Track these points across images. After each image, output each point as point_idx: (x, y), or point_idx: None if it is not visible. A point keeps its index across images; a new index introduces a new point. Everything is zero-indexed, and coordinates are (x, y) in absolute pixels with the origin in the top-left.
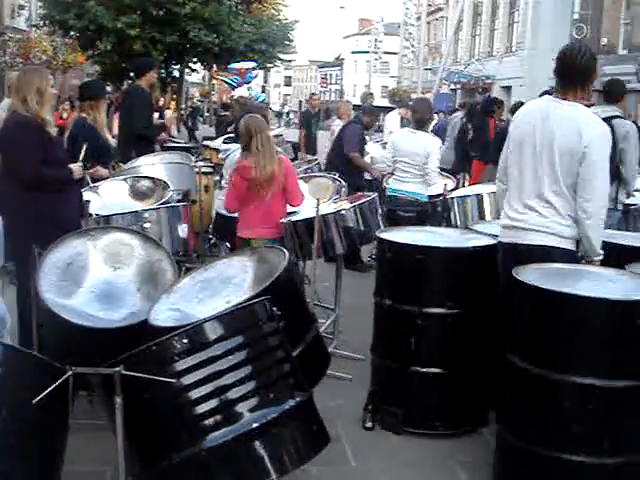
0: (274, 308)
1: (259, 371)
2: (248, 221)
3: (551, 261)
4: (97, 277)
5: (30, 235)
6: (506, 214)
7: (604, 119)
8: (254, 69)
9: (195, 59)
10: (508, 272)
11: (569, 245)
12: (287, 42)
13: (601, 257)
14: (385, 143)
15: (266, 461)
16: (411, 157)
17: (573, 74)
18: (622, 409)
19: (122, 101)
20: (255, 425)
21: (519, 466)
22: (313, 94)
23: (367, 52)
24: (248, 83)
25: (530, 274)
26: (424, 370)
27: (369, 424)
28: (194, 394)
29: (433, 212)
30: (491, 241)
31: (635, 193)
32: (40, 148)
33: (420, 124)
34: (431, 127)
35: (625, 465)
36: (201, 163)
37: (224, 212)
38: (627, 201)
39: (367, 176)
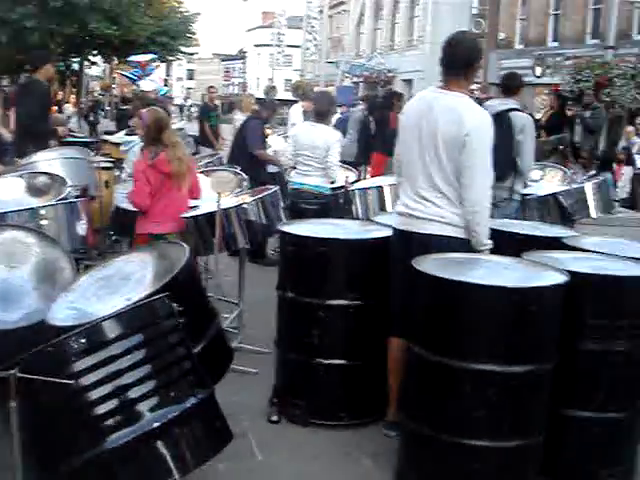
0: (174, 304)
1: (159, 369)
2: (161, 216)
3: (447, 250)
4: None
5: None
6: (402, 202)
7: (502, 111)
8: (154, 61)
9: (95, 52)
10: (401, 258)
11: (461, 234)
12: (189, 35)
13: (488, 247)
14: (288, 136)
15: (169, 460)
16: (311, 150)
17: (456, 64)
18: (520, 393)
19: (18, 95)
20: (156, 424)
21: (422, 453)
22: (211, 87)
23: (270, 45)
24: (149, 75)
25: (428, 264)
26: (328, 362)
27: (275, 417)
28: (93, 395)
29: (335, 204)
30: (391, 232)
31: (531, 183)
32: None
33: (320, 117)
34: (334, 120)
35: (524, 447)
36: (100, 158)
37: (125, 207)
38: (523, 191)
39: (270, 169)
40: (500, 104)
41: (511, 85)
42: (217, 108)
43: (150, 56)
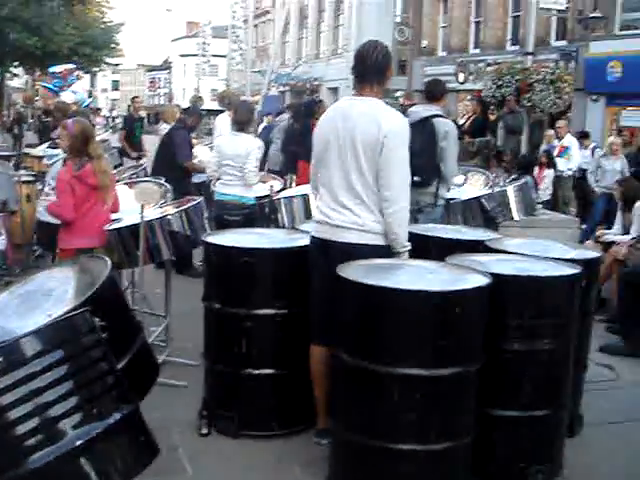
0: (96, 319)
1: (82, 385)
2: (89, 230)
3: (364, 257)
4: None
5: None
6: (320, 210)
7: (425, 118)
8: (74, 71)
9: (16, 63)
10: (321, 266)
11: (380, 240)
12: (113, 45)
13: (407, 249)
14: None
15: (93, 478)
16: (234, 159)
17: (368, 71)
18: (448, 396)
19: None
20: (79, 442)
21: (353, 459)
22: (136, 97)
23: (195, 55)
24: (70, 86)
25: (353, 270)
26: (256, 372)
27: (205, 430)
28: (13, 414)
29: (261, 214)
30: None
31: (455, 188)
32: None
33: (241, 126)
34: (260, 129)
35: (453, 449)
36: (22, 172)
37: (49, 221)
38: (447, 195)
39: (195, 179)
40: (424, 110)
41: (435, 91)
42: (142, 119)
43: (70, 66)
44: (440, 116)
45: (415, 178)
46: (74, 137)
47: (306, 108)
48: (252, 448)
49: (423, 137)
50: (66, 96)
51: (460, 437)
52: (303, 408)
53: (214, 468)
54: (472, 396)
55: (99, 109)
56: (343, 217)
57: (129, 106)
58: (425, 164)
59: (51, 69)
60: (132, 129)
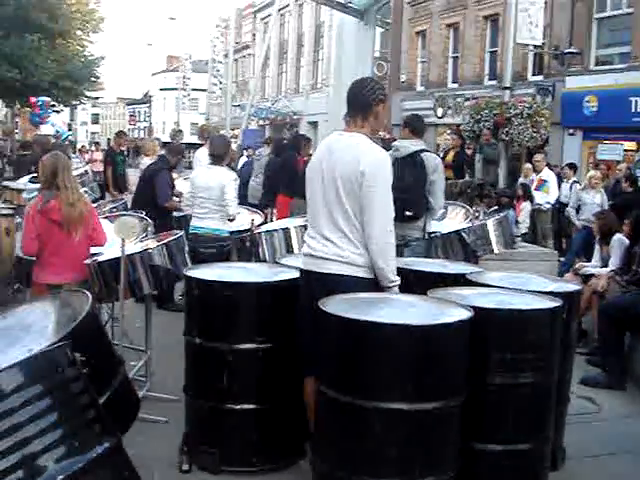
0: (76, 353)
1: (62, 419)
2: (56, 266)
3: (347, 289)
4: None
5: None
6: (307, 243)
7: (414, 152)
8: (44, 105)
9: None
10: (307, 299)
11: (363, 273)
12: (93, 79)
13: (396, 284)
14: None
15: None
16: (206, 192)
17: (356, 105)
18: (431, 429)
19: None
20: (60, 477)
21: None
22: (122, 132)
23: (176, 89)
24: (44, 119)
25: (335, 304)
26: (238, 407)
27: (186, 466)
28: None
29: (242, 247)
30: (298, 274)
31: (435, 222)
32: None
33: (216, 159)
34: (241, 163)
35: None
36: (1, 205)
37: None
38: (430, 229)
39: (175, 213)
40: (411, 145)
41: (418, 127)
42: (123, 153)
43: (44, 98)
44: (427, 151)
45: (407, 213)
46: (44, 168)
47: (292, 142)
48: None
49: (414, 171)
50: (46, 129)
51: (444, 472)
52: (285, 443)
53: None
54: (456, 430)
55: (74, 142)
56: (325, 249)
57: (108, 139)
58: (416, 198)
59: (40, 99)
60: (113, 163)
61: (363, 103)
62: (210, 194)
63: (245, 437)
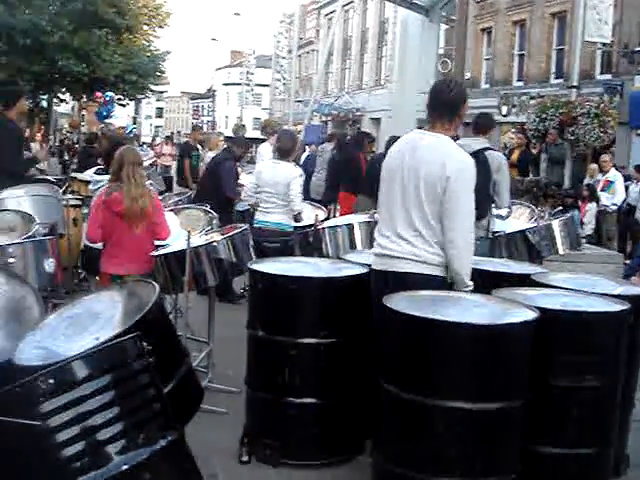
0: (144, 344)
1: (129, 411)
2: (119, 257)
3: (421, 288)
4: None
5: None
6: (378, 242)
7: (477, 151)
8: (111, 100)
9: (64, 89)
10: (380, 298)
11: (438, 272)
12: (158, 73)
13: (470, 288)
14: None
15: None
16: (273, 187)
17: (441, 107)
18: (493, 430)
19: None
20: (125, 467)
21: None
22: (198, 126)
23: (239, 84)
24: (110, 113)
25: (400, 301)
26: (299, 401)
27: (245, 458)
28: (61, 436)
29: (305, 243)
30: (362, 270)
31: (499, 221)
32: None
33: (283, 154)
34: (303, 158)
35: None
36: (69, 196)
37: (94, 245)
38: (494, 229)
39: (239, 207)
40: (474, 143)
41: (484, 125)
42: (198, 148)
43: (110, 94)
44: (491, 149)
45: None
46: (114, 161)
47: (352, 139)
48: (292, 477)
49: (478, 170)
50: (116, 121)
51: (505, 473)
52: (344, 438)
53: None
54: (517, 432)
55: (138, 135)
56: (400, 248)
57: (172, 133)
58: (480, 198)
59: (107, 94)
60: (189, 157)
61: (451, 103)
62: (276, 189)
63: (304, 431)
